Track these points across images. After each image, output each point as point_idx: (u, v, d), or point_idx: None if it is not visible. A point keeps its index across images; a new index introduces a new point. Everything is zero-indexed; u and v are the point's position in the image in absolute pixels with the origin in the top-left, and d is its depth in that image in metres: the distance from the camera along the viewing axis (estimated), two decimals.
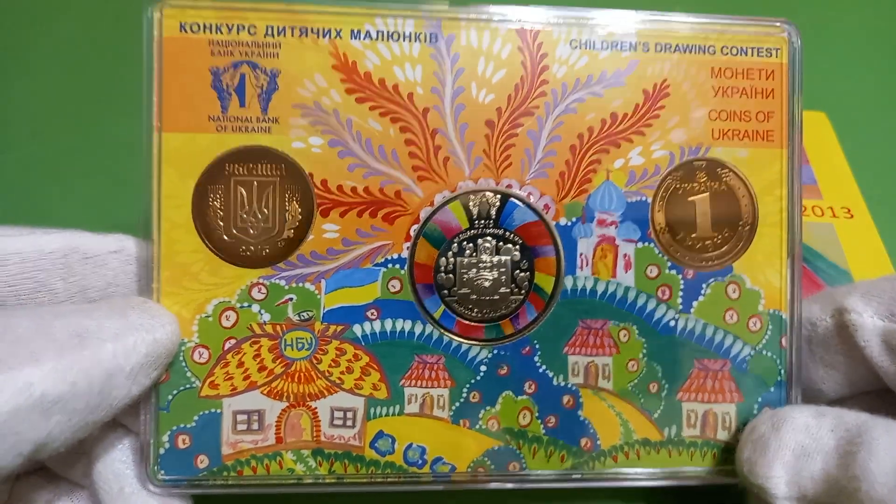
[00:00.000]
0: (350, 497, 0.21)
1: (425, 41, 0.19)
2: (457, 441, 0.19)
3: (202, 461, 0.19)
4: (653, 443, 0.20)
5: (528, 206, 0.20)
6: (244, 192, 0.19)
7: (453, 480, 0.19)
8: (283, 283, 0.19)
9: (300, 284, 0.19)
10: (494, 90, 0.19)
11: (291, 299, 0.19)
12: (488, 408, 0.19)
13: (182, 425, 0.18)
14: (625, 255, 0.20)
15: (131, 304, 0.17)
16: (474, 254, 0.20)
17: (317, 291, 0.19)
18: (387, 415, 0.19)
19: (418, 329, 0.19)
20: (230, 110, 0.19)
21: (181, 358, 0.18)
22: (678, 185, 0.20)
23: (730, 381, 0.20)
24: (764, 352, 0.20)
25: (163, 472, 0.18)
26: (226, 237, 0.19)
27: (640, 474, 0.20)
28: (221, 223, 0.19)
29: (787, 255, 0.20)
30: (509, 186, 0.19)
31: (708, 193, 0.20)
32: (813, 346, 0.20)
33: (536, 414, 0.19)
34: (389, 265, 0.19)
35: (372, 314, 0.19)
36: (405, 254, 0.19)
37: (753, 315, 0.20)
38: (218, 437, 0.19)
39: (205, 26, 0.19)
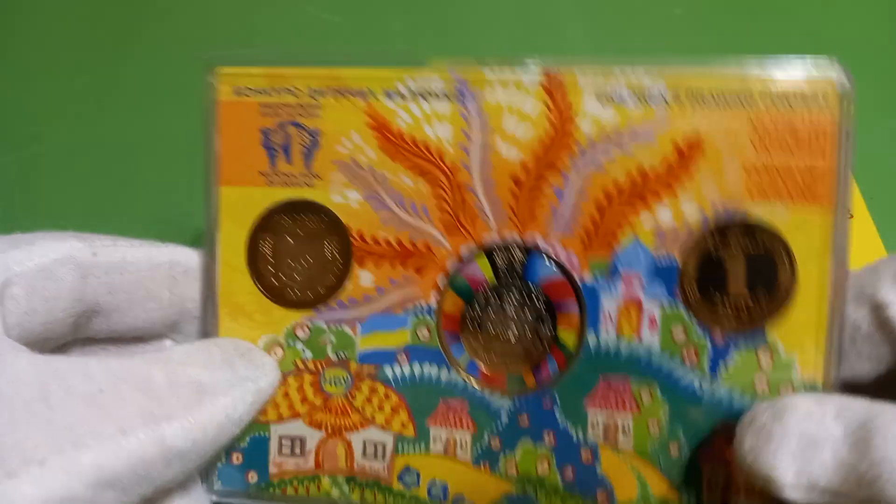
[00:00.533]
0: None
1: (454, 99, 0.20)
2: (478, 482, 0.20)
3: (252, 476, 0.21)
4: (670, 503, 0.20)
5: (554, 261, 0.20)
6: (291, 241, 0.21)
7: None
8: (323, 324, 0.21)
9: (339, 327, 0.21)
10: (521, 147, 0.20)
11: (331, 340, 0.21)
12: (507, 453, 0.20)
13: (236, 445, 0.21)
14: (650, 317, 0.20)
15: (240, 352, 0.20)
16: (499, 307, 0.20)
17: (353, 334, 0.21)
18: (413, 452, 0.21)
19: (444, 375, 0.20)
20: (278, 166, 0.21)
21: None
22: (710, 246, 0.20)
23: None
24: None
25: (219, 482, 0.21)
26: (275, 281, 0.21)
27: None
28: (271, 269, 0.21)
29: (828, 325, 0.19)
30: (535, 242, 0.20)
31: (742, 256, 0.20)
32: (857, 345, 0.19)
33: (555, 464, 0.20)
34: (419, 314, 0.20)
35: (402, 358, 0.21)
36: (433, 303, 0.20)
37: (786, 383, 0.19)
38: (266, 457, 0.21)
39: (255, 90, 0.21)
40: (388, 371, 0.21)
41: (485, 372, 0.20)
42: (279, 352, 0.21)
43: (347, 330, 0.21)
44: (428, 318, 0.20)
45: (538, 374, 0.20)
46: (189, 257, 0.21)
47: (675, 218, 0.20)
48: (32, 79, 0.36)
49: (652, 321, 0.20)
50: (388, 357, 0.21)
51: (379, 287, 0.21)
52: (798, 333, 0.19)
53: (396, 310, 0.21)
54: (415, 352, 0.21)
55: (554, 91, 0.20)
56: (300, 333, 0.21)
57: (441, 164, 0.20)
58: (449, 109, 0.20)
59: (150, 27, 0.37)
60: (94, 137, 0.34)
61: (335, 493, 0.21)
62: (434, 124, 0.20)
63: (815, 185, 0.19)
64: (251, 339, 0.21)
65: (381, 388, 0.21)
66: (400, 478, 0.21)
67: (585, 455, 0.20)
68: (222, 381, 0.18)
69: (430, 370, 0.21)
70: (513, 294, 0.20)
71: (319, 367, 0.21)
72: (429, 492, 0.21)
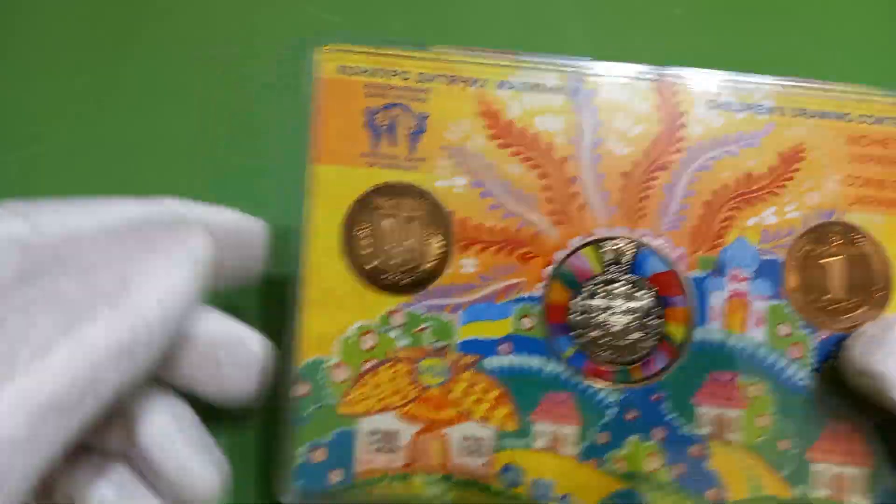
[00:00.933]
0: None
1: (567, 94, 0.20)
2: (584, 480, 0.19)
3: (335, 476, 0.19)
4: (781, 500, 0.19)
5: (662, 256, 0.20)
6: (389, 225, 0.20)
7: None
8: (421, 311, 0.20)
9: (437, 314, 0.20)
10: (632, 144, 0.20)
11: (428, 328, 0.20)
12: (615, 450, 0.20)
13: (319, 440, 0.19)
14: (756, 312, 0.20)
15: (162, 233, 0.17)
16: (607, 298, 0.20)
17: (453, 322, 0.20)
18: (515, 447, 0.19)
19: (548, 367, 0.20)
20: (381, 148, 0.20)
21: (321, 374, 0.19)
22: (811, 248, 0.20)
23: (862, 443, 0.20)
24: None
25: (297, 482, 0.19)
26: (370, 266, 0.20)
27: None
28: (367, 252, 0.20)
29: None
30: (644, 236, 0.20)
31: (842, 257, 0.20)
32: None
33: (664, 460, 0.19)
34: (522, 303, 0.20)
35: (504, 349, 0.20)
36: (537, 293, 0.20)
37: None
38: (351, 454, 0.19)
39: (360, 70, 0.20)
40: (490, 362, 0.20)
41: (591, 364, 0.20)
42: (371, 339, 0.20)
43: (447, 318, 0.20)
44: (531, 307, 0.20)
45: (646, 368, 0.20)
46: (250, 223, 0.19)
47: (778, 218, 0.20)
48: (32, 79, 0.34)
49: (758, 317, 0.20)
50: (490, 347, 0.20)
51: (482, 275, 0.20)
52: None
53: (499, 298, 0.20)
54: (518, 342, 0.20)
55: (665, 93, 0.20)
56: (395, 320, 0.20)
57: (551, 155, 0.20)
58: (561, 103, 0.20)
59: (150, 27, 0.36)
60: (94, 137, 0.32)
61: (428, 493, 0.19)
62: (546, 116, 0.20)
63: None
64: (340, 326, 0.20)
65: (481, 380, 0.20)
66: (501, 476, 0.19)
67: (694, 450, 0.20)
68: (152, 268, 0.16)
69: (534, 362, 0.20)
70: (620, 287, 0.20)
71: (415, 356, 0.20)
72: (533, 490, 0.19)
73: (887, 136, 0.20)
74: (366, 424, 0.19)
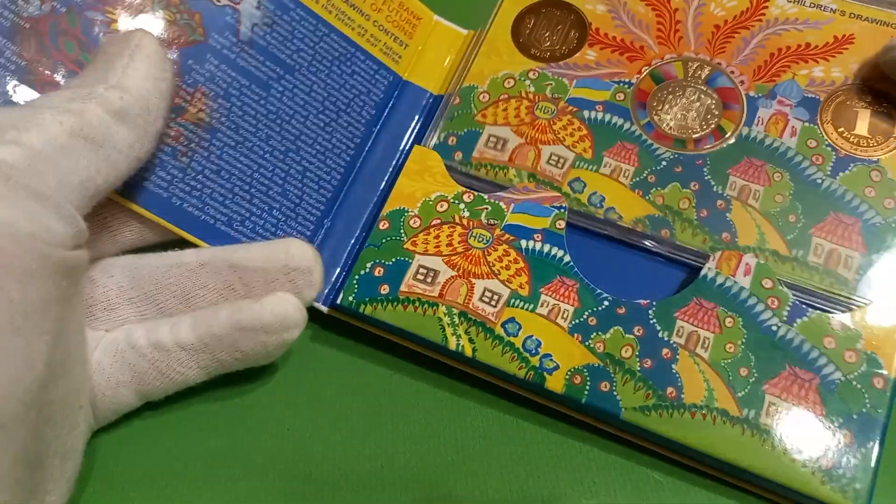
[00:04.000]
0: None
1: None
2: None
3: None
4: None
5: (729, 77, 0.27)
6: (548, 20, 0.29)
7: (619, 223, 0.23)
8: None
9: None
10: (726, 11, 0.28)
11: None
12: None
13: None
14: (792, 126, 0.26)
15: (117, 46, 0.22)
16: (682, 94, 0.27)
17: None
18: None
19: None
20: None
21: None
22: (846, 97, 0.26)
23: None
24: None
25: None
26: (526, 39, 0.29)
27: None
28: (527, 34, 0.29)
29: None
30: (720, 63, 0.27)
31: (870, 109, 0.25)
32: None
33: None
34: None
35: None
36: (634, 80, 0.27)
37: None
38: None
39: None
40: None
41: (658, 131, 0.26)
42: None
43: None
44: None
45: (698, 144, 0.26)
46: None
47: (824, 74, 0.26)
48: None
49: (793, 130, 0.26)
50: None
51: (597, 62, 0.28)
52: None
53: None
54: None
55: None
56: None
57: (669, 6, 0.29)
58: None
59: None
60: None
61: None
62: None
63: None
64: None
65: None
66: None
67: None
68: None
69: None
70: (694, 90, 0.27)
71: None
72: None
73: None
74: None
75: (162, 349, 0.23)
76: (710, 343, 0.23)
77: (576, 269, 0.25)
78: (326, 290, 0.27)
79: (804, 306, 0.24)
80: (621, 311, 0.24)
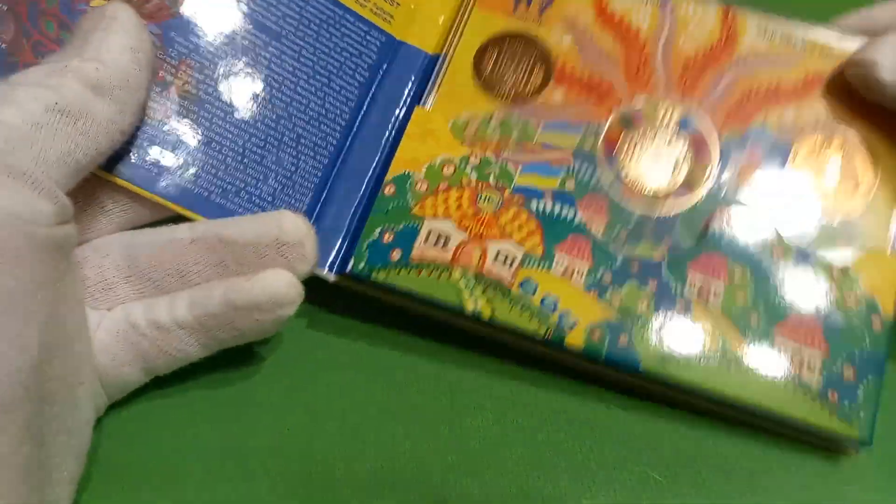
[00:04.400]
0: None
1: (657, 4, 0.28)
2: (585, 304, 0.24)
3: (396, 254, 0.25)
4: (743, 361, 0.23)
5: (701, 120, 0.26)
6: (510, 55, 0.27)
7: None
8: (493, 158, 0.26)
9: (503, 164, 0.26)
10: (695, 44, 0.27)
11: (495, 171, 0.26)
12: (615, 288, 0.24)
13: (392, 226, 0.25)
14: (764, 171, 0.25)
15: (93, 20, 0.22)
16: (653, 139, 0.26)
17: (514, 171, 0.26)
18: (537, 268, 0.25)
19: (577, 218, 0.25)
20: (518, 10, 0.28)
21: (408, 184, 0.26)
22: (816, 143, 0.26)
23: (820, 336, 0.24)
24: (856, 322, 0.24)
25: (366, 254, 0.25)
26: (488, 76, 0.27)
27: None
28: (490, 67, 0.27)
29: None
30: (691, 105, 0.26)
31: (840, 154, 0.25)
32: None
33: (653, 306, 0.24)
34: (565, 171, 0.26)
35: (547, 197, 0.26)
36: (603, 124, 0.26)
37: (850, 292, 0.24)
38: (412, 242, 0.25)
39: None
40: (534, 204, 0.26)
41: (627, 183, 0.25)
42: (451, 169, 0.26)
43: (510, 167, 0.26)
44: (570, 176, 0.26)
45: (668, 199, 0.25)
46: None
47: (795, 119, 0.26)
48: None
49: (764, 174, 0.25)
50: (537, 194, 0.26)
51: (565, 102, 0.27)
52: (867, 265, 0.24)
53: (554, 163, 0.26)
54: (558, 195, 0.26)
55: (728, 17, 0.27)
56: (473, 160, 0.26)
57: (636, 39, 0.27)
58: (650, 10, 0.28)
59: None
60: None
61: (462, 283, 0.25)
62: (639, 15, 0.28)
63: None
64: (430, 156, 0.26)
65: (524, 214, 0.26)
66: (520, 284, 0.25)
67: (680, 305, 0.24)
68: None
69: (567, 212, 0.26)
70: (665, 134, 0.26)
71: (480, 187, 0.26)
72: (542, 301, 0.24)
73: None
74: (429, 224, 0.25)
75: (161, 328, 0.23)
76: (720, 293, 0.24)
77: (587, 227, 0.25)
78: (331, 258, 0.26)
79: (806, 252, 0.25)
80: (635, 267, 0.25)
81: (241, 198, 0.25)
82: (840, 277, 0.24)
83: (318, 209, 0.27)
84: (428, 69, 0.29)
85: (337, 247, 0.26)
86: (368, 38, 0.28)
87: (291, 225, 0.23)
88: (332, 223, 0.27)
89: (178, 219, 0.24)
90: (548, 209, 0.26)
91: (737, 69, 0.27)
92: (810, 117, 0.26)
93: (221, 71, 0.25)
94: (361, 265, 0.25)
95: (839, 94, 0.26)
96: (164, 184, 0.24)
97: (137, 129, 0.24)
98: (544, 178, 0.26)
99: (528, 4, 0.28)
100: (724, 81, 0.26)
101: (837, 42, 0.27)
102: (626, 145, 0.26)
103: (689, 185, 0.25)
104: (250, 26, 0.26)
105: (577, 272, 0.25)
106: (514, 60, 0.27)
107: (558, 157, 0.26)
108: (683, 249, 0.25)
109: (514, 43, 0.27)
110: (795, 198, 0.25)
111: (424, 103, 0.27)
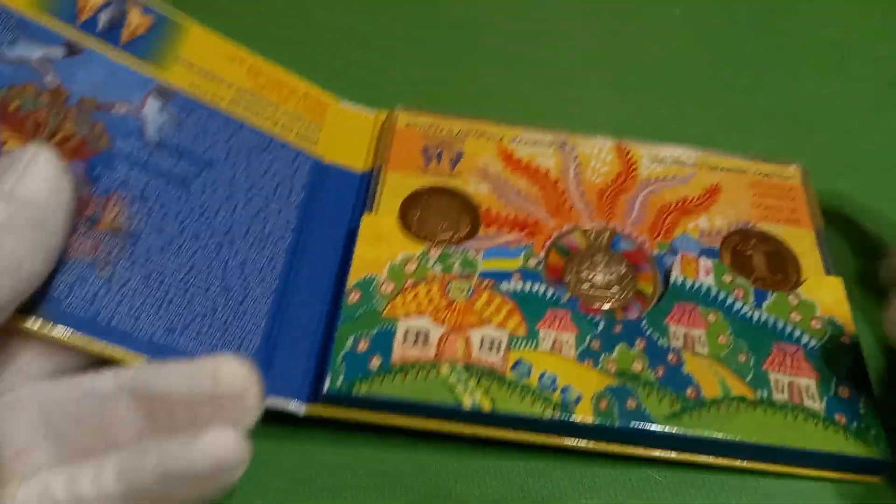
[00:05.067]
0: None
1: (557, 147, 0.30)
2: (582, 375, 0.23)
3: (375, 362, 0.23)
4: (749, 401, 0.23)
5: (631, 240, 0.27)
6: (436, 208, 0.27)
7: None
8: (452, 250, 0.26)
9: (464, 252, 0.26)
10: (602, 177, 0.29)
11: (457, 261, 0.26)
12: (607, 354, 0.24)
13: (364, 333, 0.23)
14: (705, 267, 0.26)
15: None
16: (592, 264, 0.26)
17: (476, 258, 0.26)
18: (525, 348, 0.24)
19: (550, 292, 0.25)
20: (430, 167, 0.29)
21: (372, 287, 0.25)
22: (738, 242, 0.28)
23: (806, 362, 0.24)
24: (828, 344, 0.25)
25: (344, 367, 0.23)
26: (417, 230, 0.27)
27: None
28: (416, 224, 0.27)
29: (835, 280, 0.26)
30: (616, 227, 0.28)
31: (761, 250, 0.27)
32: None
33: (647, 364, 0.24)
34: (527, 251, 0.26)
35: (516, 277, 0.25)
36: (541, 256, 0.26)
37: (814, 318, 0.25)
38: (391, 345, 0.23)
39: (421, 126, 0.30)
40: (504, 285, 0.25)
41: (584, 305, 0.25)
42: (414, 266, 0.25)
43: (472, 255, 0.26)
44: (536, 263, 0.26)
45: (626, 312, 0.25)
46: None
47: (710, 224, 0.28)
48: None
49: (707, 269, 0.26)
50: (505, 276, 0.25)
51: (499, 235, 0.27)
52: (814, 288, 0.26)
53: (512, 244, 0.26)
54: (526, 274, 0.25)
55: (622, 151, 0.30)
56: (433, 253, 0.26)
57: (548, 179, 0.29)
58: (552, 152, 0.30)
59: None
60: None
61: (453, 378, 0.23)
62: (544, 157, 0.29)
63: (798, 216, 0.29)
64: (391, 254, 0.25)
65: (497, 297, 0.25)
66: (513, 368, 0.23)
67: (671, 357, 0.24)
68: None
69: (538, 288, 0.25)
70: (601, 257, 0.27)
71: (446, 278, 0.25)
72: (539, 381, 0.23)
73: (774, 184, 0.30)
74: (404, 323, 0.24)
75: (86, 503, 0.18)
76: (704, 339, 0.24)
77: (562, 299, 0.25)
78: (299, 386, 0.23)
79: (764, 290, 0.26)
80: (618, 329, 0.24)
81: (190, 334, 0.23)
82: (800, 305, 0.25)
83: (276, 336, 0.24)
84: (362, 183, 0.29)
85: (303, 372, 0.24)
86: (298, 161, 0.28)
87: (229, 375, 0.20)
88: (293, 348, 0.24)
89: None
90: (519, 288, 0.25)
91: (645, 192, 0.29)
92: (723, 222, 0.28)
93: (154, 202, 0.24)
94: (340, 380, 0.22)
95: (739, 199, 0.29)
96: (100, 326, 0.21)
97: (62, 268, 0.21)
98: (507, 259, 0.26)
99: (439, 161, 0.29)
100: (637, 203, 0.28)
101: (719, 157, 0.30)
102: (571, 272, 0.26)
103: (640, 296, 0.26)
104: (178, 157, 0.25)
105: (566, 344, 0.24)
106: (439, 212, 0.27)
107: (515, 238, 0.27)
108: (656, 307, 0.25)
109: (435, 196, 0.28)
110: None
111: (372, 210, 0.27)
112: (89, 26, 0.25)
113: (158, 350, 0.22)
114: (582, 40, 0.38)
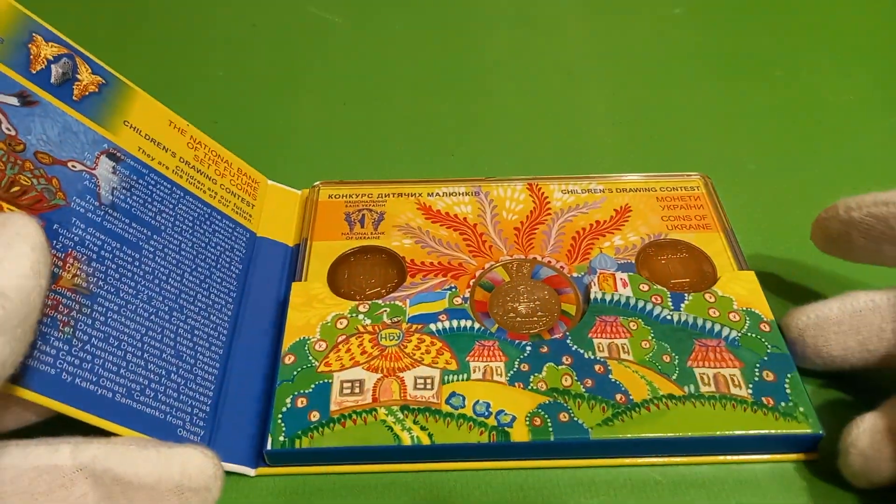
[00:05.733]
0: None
1: (472, 195, 0.32)
2: (514, 398, 0.24)
3: (314, 416, 0.24)
4: (677, 397, 0.24)
5: (551, 267, 0.29)
6: (363, 266, 0.29)
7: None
8: (380, 302, 0.27)
9: (392, 302, 0.27)
10: (517, 214, 0.31)
11: (386, 311, 0.27)
12: (536, 374, 0.25)
13: (302, 391, 0.24)
14: (622, 279, 0.28)
15: None
16: (516, 294, 0.28)
17: (403, 306, 0.27)
18: (457, 380, 0.24)
19: (477, 326, 0.26)
20: (354, 230, 0.30)
21: (306, 347, 0.26)
22: (652, 252, 0.29)
23: (728, 353, 0.25)
24: (749, 333, 0.26)
25: (284, 426, 0.23)
26: (346, 290, 0.28)
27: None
28: (345, 284, 0.28)
29: (748, 274, 0.27)
30: (535, 257, 0.29)
31: (676, 256, 0.29)
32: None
33: (576, 377, 0.24)
34: (452, 291, 0.27)
35: (442, 318, 0.26)
36: (467, 294, 0.28)
37: (731, 311, 0.26)
38: (328, 399, 0.24)
39: (343, 195, 0.32)
40: (433, 326, 0.26)
41: (511, 333, 0.26)
42: (344, 322, 0.26)
43: (399, 304, 0.27)
44: (462, 302, 0.27)
45: (552, 333, 0.26)
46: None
47: (623, 241, 0.30)
48: None
49: (623, 282, 0.28)
50: (432, 318, 0.26)
51: (423, 282, 0.28)
52: (728, 284, 0.27)
53: (436, 288, 0.28)
54: (452, 312, 0.27)
55: (534, 189, 0.32)
56: (361, 309, 0.27)
57: (466, 224, 0.31)
58: (469, 200, 0.32)
59: (150, 26, 0.39)
60: None
61: (390, 419, 0.23)
62: (461, 206, 0.31)
63: (707, 222, 0.30)
64: (321, 316, 0.27)
65: (427, 339, 0.26)
66: (448, 401, 0.24)
67: (598, 368, 0.25)
68: None
69: (465, 323, 0.26)
70: (524, 287, 0.28)
71: (377, 328, 0.26)
72: (474, 409, 0.24)
73: (682, 196, 0.31)
74: (339, 376, 0.25)
75: None
76: (628, 347, 0.25)
77: (489, 331, 0.26)
78: (247, 448, 0.24)
79: (681, 293, 0.27)
80: (544, 349, 0.25)
81: (147, 395, 0.23)
82: (717, 301, 0.27)
83: (223, 401, 0.25)
84: (292, 256, 0.30)
85: (250, 435, 0.24)
86: (236, 233, 0.30)
87: (197, 468, 0.20)
88: (240, 413, 0.25)
89: (67, 421, 0.21)
90: (447, 327, 0.26)
91: (559, 222, 0.31)
92: (637, 238, 0.30)
93: (109, 263, 0.24)
94: (281, 438, 0.23)
95: (649, 215, 0.31)
96: (61, 386, 0.21)
97: None
98: (433, 302, 0.27)
99: (363, 224, 0.31)
100: (553, 233, 0.30)
101: (626, 180, 0.32)
102: (496, 304, 0.28)
103: (564, 316, 0.27)
104: (130, 220, 0.26)
105: (496, 371, 0.25)
106: (366, 270, 0.29)
107: (440, 282, 0.28)
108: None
109: (361, 256, 0.30)
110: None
111: (301, 279, 0.28)
112: (42, 78, 0.25)
113: (120, 412, 0.22)
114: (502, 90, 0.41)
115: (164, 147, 0.29)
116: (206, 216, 0.29)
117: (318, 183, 0.33)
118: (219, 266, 0.28)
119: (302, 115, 0.39)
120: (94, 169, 0.25)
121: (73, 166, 0.25)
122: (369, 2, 0.47)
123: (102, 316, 0.23)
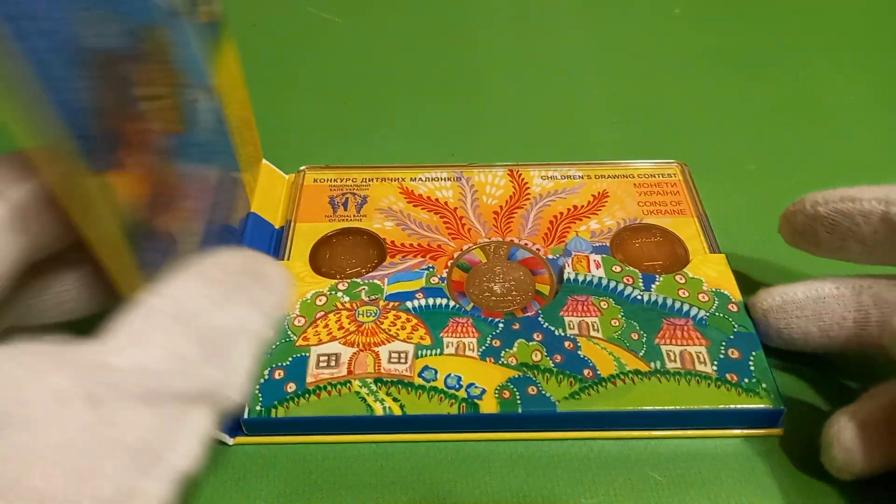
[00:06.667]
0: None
1: (454, 179, 0.33)
2: (485, 371, 0.25)
3: (290, 387, 0.24)
4: (643, 373, 0.24)
5: (527, 249, 0.29)
6: (344, 247, 0.30)
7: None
8: (359, 280, 0.28)
9: (371, 280, 0.28)
10: (497, 199, 0.32)
11: (364, 289, 0.27)
12: (507, 350, 0.25)
13: (279, 363, 0.25)
14: (595, 261, 0.28)
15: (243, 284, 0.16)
16: (492, 275, 0.28)
17: (381, 284, 0.28)
18: (430, 355, 0.25)
19: (452, 304, 0.27)
20: (337, 213, 0.31)
21: (286, 323, 0.26)
22: (627, 236, 0.30)
23: (695, 331, 0.26)
24: (717, 313, 0.26)
25: (261, 396, 0.24)
26: (327, 270, 0.29)
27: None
28: (326, 264, 0.29)
29: (719, 256, 0.28)
30: (512, 239, 0.30)
31: (650, 240, 0.30)
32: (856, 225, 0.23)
33: (545, 353, 0.25)
34: (430, 271, 0.28)
35: (419, 295, 0.27)
36: (444, 275, 0.28)
37: (701, 292, 0.27)
38: (304, 371, 0.25)
39: (327, 179, 0.33)
40: (409, 304, 0.27)
41: (486, 312, 0.27)
42: (323, 299, 0.27)
43: (377, 282, 0.28)
44: (440, 282, 0.28)
45: (525, 311, 0.27)
46: None
47: (600, 226, 0.30)
48: None
49: (597, 264, 0.28)
50: (409, 296, 0.27)
51: (402, 262, 0.29)
52: (698, 267, 0.28)
53: (414, 268, 0.28)
54: (428, 291, 0.27)
55: (514, 174, 0.33)
56: (340, 287, 0.28)
57: (447, 207, 0.31)
58: (450, 185, 0.32)
59: None
60: None
61: (364, 391, 0.24)
62: (442, 191, 0.32)
63: (682, 208, 0.31)
64: (301, 293, 0.27)
65: (403, 315, 0.27)
66: (420, 374, 0.25)
67: (568, 345, 0.25)
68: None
69: (441, 301, 0.27)
70: (500, 269, 0.29)
71: (354, 306, 0.27)
72: (445, 382, 0.24)
73: (659, 182, 0.32)
74: (316, 350, 0.25)
75: None
76: (598, 325, 0.26)
77: (464, 309, 0.27)
78: (226, 420, 0.25)
79: (652, 275, 0.28)
80: (516, 326, 0.26)
81: None
82: (687, 282, 0.27)
83: None
84: (277, 237, 0.31)
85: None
86: (241, 201, 0.30)
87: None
88: None
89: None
90: (423, 304, 0.27)
91: (537, 207, 0.31)
92: (612, 222, 0.30)
93: None
94: (258, 408, 0.24)
95: (626, 200, 0.31)
96: None
97: None
98: (411, 281, 0.28)
99: (346, 207, 0.31)
100: (531, 217, 0.31)
101: (605, 167, 0.33)
102: (473, 285, 0.28)
103: (538, 296, 0.28)
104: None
105: (469, 347, 0.25)
106: (347, 251, 0.30)
107: (418, 262, 0.29)
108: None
109: (342, 237, 0.30)
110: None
111: (283, 258, 0.29)
112: None
113: None
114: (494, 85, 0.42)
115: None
116: (234, 181, 0.29)
117: (303, 168, 0.33)
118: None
119: (302, 115, 0.40)
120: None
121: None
122: (369, 2, 0.47)
123: None
